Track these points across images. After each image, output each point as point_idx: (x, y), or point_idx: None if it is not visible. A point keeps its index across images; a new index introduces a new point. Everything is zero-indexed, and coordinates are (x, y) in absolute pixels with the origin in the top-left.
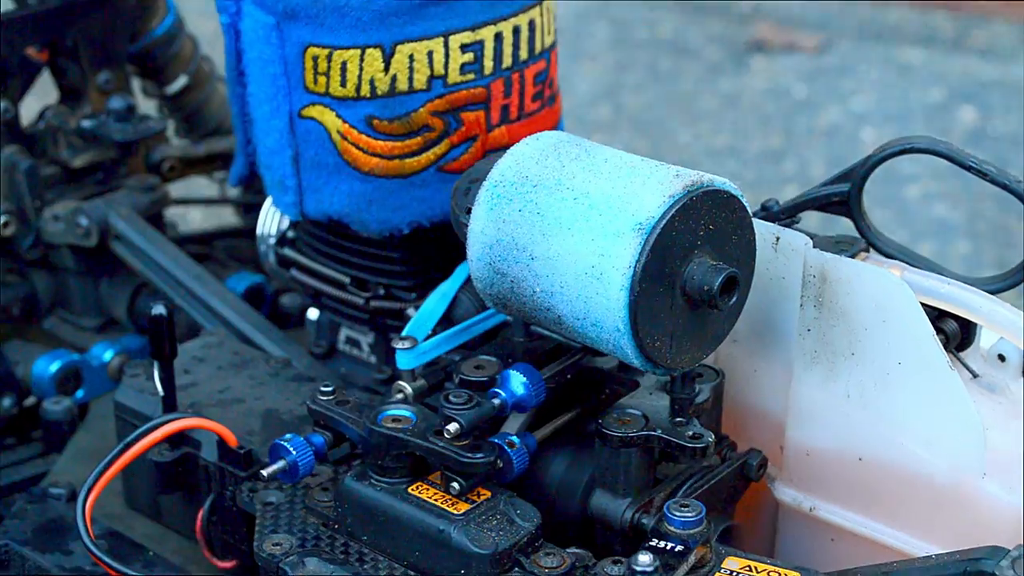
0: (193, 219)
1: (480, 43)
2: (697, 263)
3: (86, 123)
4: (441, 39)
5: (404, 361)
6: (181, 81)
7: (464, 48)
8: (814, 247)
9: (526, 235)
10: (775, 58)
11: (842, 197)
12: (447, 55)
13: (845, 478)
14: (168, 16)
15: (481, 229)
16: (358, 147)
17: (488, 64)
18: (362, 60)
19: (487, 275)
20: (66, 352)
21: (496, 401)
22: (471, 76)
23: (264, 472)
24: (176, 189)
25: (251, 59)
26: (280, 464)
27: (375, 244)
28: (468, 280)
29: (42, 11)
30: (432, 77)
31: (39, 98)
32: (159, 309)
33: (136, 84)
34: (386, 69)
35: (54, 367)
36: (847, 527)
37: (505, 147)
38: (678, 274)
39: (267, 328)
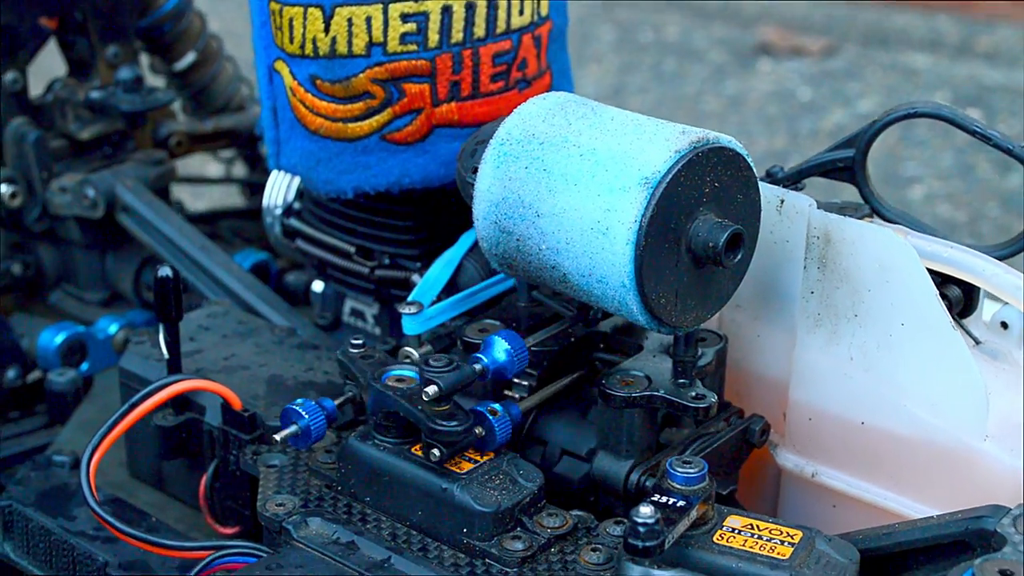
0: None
1: (424, 15)
2: (702, 220)
3: (95, 94)
4: (380, 6)
5: (410, 326)
6: (189, 58)
7: (405, 18)
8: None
9: (532, 192)
10: (781, 61)
11: (846, 163)
12: (386, 23)
13: (847, 443)
14: None
15: (487, 187)
16: (305, 105)
17: (433, 37)
18: (305, 18)
19: (493, 234)
20: (71, 324)
21: (477, 366)
22: (413, 47)
23: (276, 437)
24: (182, 171)
25: (253, 10)
26: (292, 429)
27: (380, 213)
28: (473, 247)
29: None
30: (371, 44)
31: (46, 74)
32: (165, 271)
33: (144, 62)
34: (326, 30)
35: (59, 339)
36: (849, 492)
37: (455, 124)
38: (683, 231)
39: (272, 299)
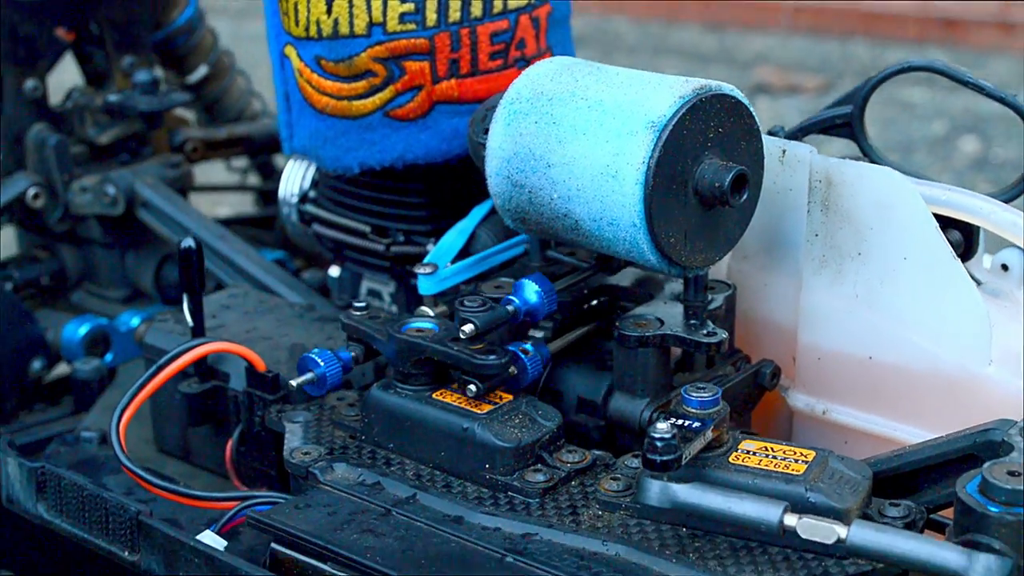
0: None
1: None
2: (708, 163)
3: (112, 97)
4: None
5: (425, 286)
6: (201, 71)
7: None
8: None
9: (542, 144)
10: (778, 99)
11: (845, 119)
12: (385, 3)
13: (856, 379)
14: (189, 6)
15: (499, 145)
16: (311, 86)
17: (431, 16)
18: (309, 2)
19: (505, 189)
20: (94, 317)
21: (510, 307)
22: (412, 26)
23: (293, 382)
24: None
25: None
26: (308, 376)
27: (393, 191)
28: (485, 218)
29: None
30: (371, 24)
31: (63, 87)
32: (188, 242)
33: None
34: (328, 11)
35: (83, 330)
36: (859, 427)
37: (455, 101)
38: (690, 174)
39: (291, 282)
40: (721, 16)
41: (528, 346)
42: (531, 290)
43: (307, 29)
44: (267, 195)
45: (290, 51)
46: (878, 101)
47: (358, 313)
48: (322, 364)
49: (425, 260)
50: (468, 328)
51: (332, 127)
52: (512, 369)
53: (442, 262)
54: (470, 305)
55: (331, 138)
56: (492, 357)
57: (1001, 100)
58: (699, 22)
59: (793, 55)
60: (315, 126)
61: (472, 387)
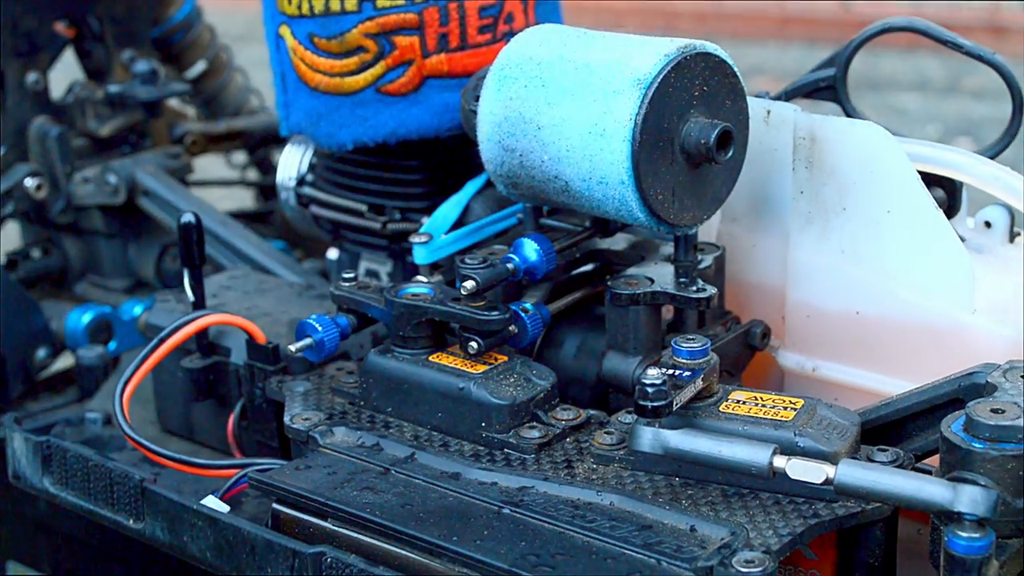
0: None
1: None
2: (694, 121)
3: (113, 88)
4: None
5: (421, 256)
6: (200, 66)
7: None
8: None
9: (532, 107)
10: None
11: (829, 82)
12: None
13: (844, 334)
14: (187, 3)
15: (490, 110)
16: (305, 63)
17: None
18: None
19: (497, 155)
20: (97, 305)
21: (510, 265)
22: (401, 1)
23: (291, 347)
24: (193, 177)
25: None
26: (306, 341)
27: (388, 168)
28: (480, 191)
29: None
30: (362, 0)
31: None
32: (188, 217)
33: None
34: None
35: (86, 318)
36: (849, 383)
37: (445, 75)
38: (676, 132)
39: (292, 265)
40: (719, 28)
41: (528, 305)
42: (530, 248)
43: (300, 7)
44: (266, 190)
45: (284, 31)
46: (871, 107)
47: (347, 284)
48: (320, 329)
49: (420, 230)
50: (469, 284)
51: (325, 104)
52: (512, 328)
53: (437, 232)
54: (471, 262)
55: (325, 115)
56: (495, 313)
57: (979, 58)
58: (700, 34)
59: (789, 67)
60: (310, 104)
61: (473, 344)
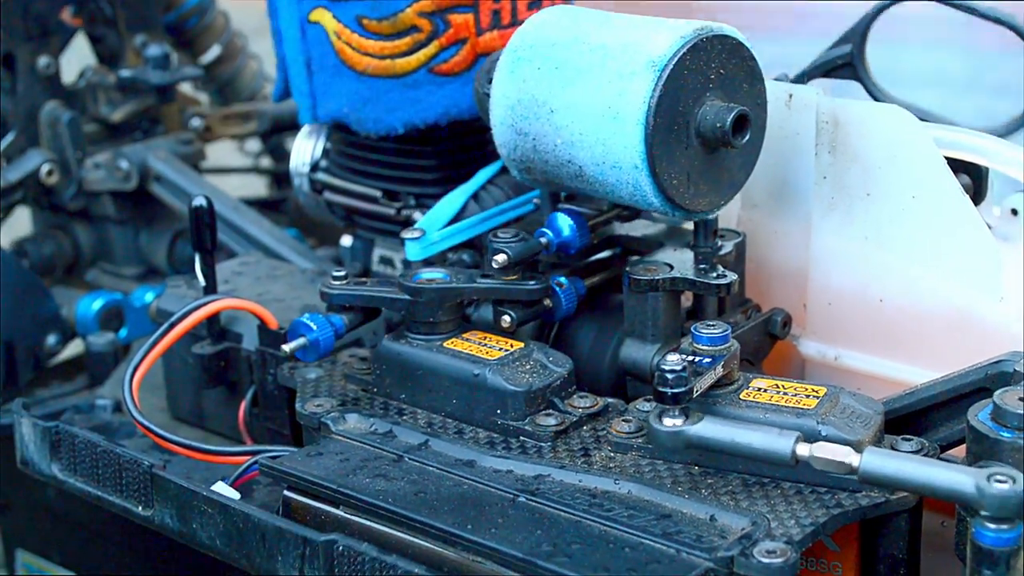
0: None
1: None
2: (709, 104)
3: (125, 72)
4: None
5: (412, 251)
6: (214, 51)
7: None
8: None
9: (545, 89)
10: None
11: (846, 59)
12: None
13: (867, 322)
14: None
15: (503, 92)
16: (351, 47)
17: None
18: None
19: (510, 138)
20: (108, 292)
21: (543, 239)
22: None
23: (285, 348)
24: (206, 165)
25: None
26: (300, 341)
27: (403, 154)
28: (486, 183)
29: None
30: None
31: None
32: (199, 201)
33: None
34: None
35: (97, 305)
36: (871, 371)
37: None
38: (692, 115)
39: (303, 250)
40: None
41: (562, 279)
42: (564, 223)
43: None
44: (279, 177)
45: (321, 15)
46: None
47: (339, 282)
48: (315, 328)
49: (415, 225)
50: (501, 258)
51: (372, 87)
52: (547, 301)
53: (433, 226)
54: (503, 236)
55: (372, 99)
56: (532, 283)
57: (997, 20)
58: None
59: (807, 63)
60: (354, 88)
61: (507, 318)
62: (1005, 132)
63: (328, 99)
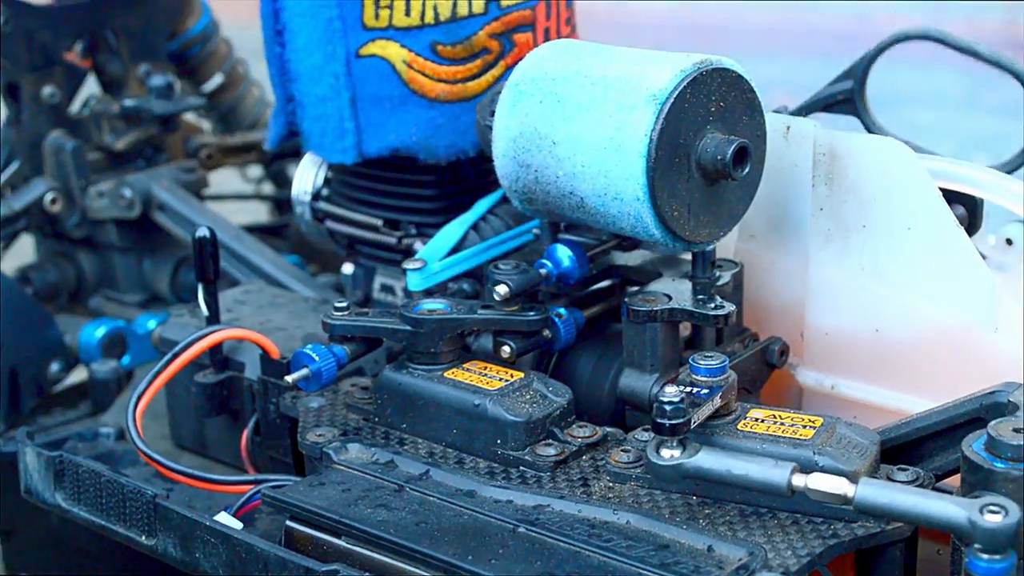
0: None
1: None
2: (710, 137)
3: (128, 101)
4: None
5: (413, 282)
6: (216, 79)
7: None
8: None
9: (547, 123)
10: None
11: (846, 95)
12: None
13: (864, 352)
14: (204, 16)
15: (505, 125)
16: (424, 74)
17: None
18: None
19: (512, 170)
20: (112, 319)
21: (543, 270)
22: None
23: (288, 378)
24: (208, 191)
25: (294, 13)
26: (303, 372)
27: (405, 183)
28: (485, 214)
29: (83, 2)
30: (488, 0)
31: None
32: (203, 231)
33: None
34: None
35: (100, 332)
36: (868, 400)
37: None
38: (692, 148)
39: (305, 279)
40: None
41: (561, 310)
42: (564, 254)
43: (422, 16)
44: (281, 204)
45: (383, 47)
46: (885, 123)
47: (341, 312)
48: (317, 359)
49: (416, 256)
50: (502, 289)
51: (444, 113)
52: (547, 332)
53: (434, 257)
54: (504, 268)
55: (444, 124)
56: (532, 313)
57: (997, 64)
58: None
59: (806, 82)
60: (425, 116)
61: (506, 348)
62: (1006, 171)
63: (385, 132)
